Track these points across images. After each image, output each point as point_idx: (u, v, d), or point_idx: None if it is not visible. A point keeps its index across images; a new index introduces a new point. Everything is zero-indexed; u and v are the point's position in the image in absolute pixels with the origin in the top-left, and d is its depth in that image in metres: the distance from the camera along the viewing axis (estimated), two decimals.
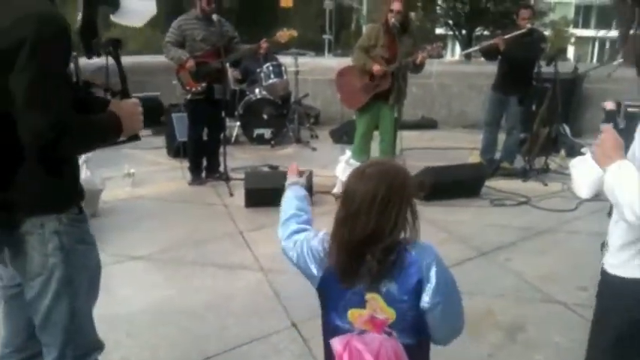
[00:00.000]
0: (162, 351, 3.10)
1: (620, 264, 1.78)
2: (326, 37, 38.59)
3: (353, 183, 1.68)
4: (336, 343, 1.68)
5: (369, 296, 1.66)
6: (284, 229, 1.90)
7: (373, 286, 1.65)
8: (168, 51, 6.01)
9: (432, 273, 1.63)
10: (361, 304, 1.67)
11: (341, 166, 5.67)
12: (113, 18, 1.95)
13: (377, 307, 1.66)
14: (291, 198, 1.99)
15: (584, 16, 46.59)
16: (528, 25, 6.33)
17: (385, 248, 1.61)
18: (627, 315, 1.78)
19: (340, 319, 1.71)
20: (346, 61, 6.07)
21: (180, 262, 4.28)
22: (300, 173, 2.13)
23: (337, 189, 5.60)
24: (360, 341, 1.65)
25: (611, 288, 1.84)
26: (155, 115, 7.33)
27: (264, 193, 5.44)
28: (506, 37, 6.31)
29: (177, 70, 6.08)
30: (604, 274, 1.86)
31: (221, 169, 6.28)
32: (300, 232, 1.87)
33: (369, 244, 1.62)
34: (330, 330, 1.76)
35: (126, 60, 2.06)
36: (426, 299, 1.62)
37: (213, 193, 6.01)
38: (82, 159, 4.95)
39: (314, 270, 1.78)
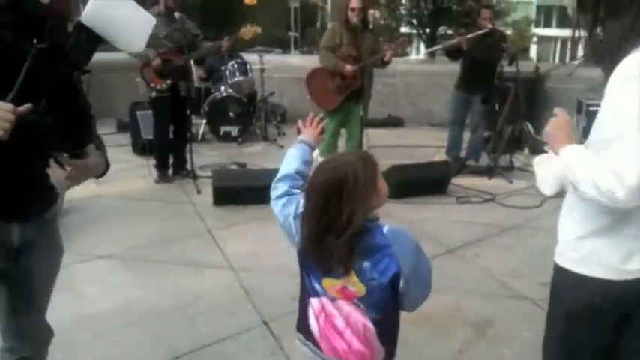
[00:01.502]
0: (132, 351, 3.07)
1: (577, 259, 1.75)
2: (291, 34, 38.57)
3: (313, 177, 1.78)
4: (315, 303, 1.81)
5: (342, 270, 1.74)
6: (276, 189, 1.95)
7: (347, 264, 1.72)
8: None
9: (408, 259, 1.71)
10: (337, 275, 1.75)
11: None
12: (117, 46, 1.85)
13: (350, 280, 1.74)
14: (296, 158, 2.02)
15: (545, 16, 47.51)
16: (489, 25, 6.43)
17: (352, 235, 1.67)
18: (576, 306, 1.77)
19: (318, 282, 1.79)
20: (312, 59, 6.07)
21: (147, 261, 4.23)
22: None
23: None
24: (333, 306, 1.78)
25: (564, 280, 1.82)
26: None
27: (232, 192, 5.44)
28: (468, 36, 6.40)
29: (141, 67, 6.01)
30: (557, 267, 1.83)
31: (188, 167, 6.24)
32: (290, 196, 1.92)
33: (334, 233, 1.69)
34: (307, 290, 1.84)
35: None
36: (401, 284, 1.72)
37: (181, 191, 5.95)
38: None
39: (296, 237, 1.83)
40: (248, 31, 6.11)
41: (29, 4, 1.71)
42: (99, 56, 1.85)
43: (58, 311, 3.39)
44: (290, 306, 1.86)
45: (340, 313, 1.78)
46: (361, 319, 1.77)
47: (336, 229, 1.69)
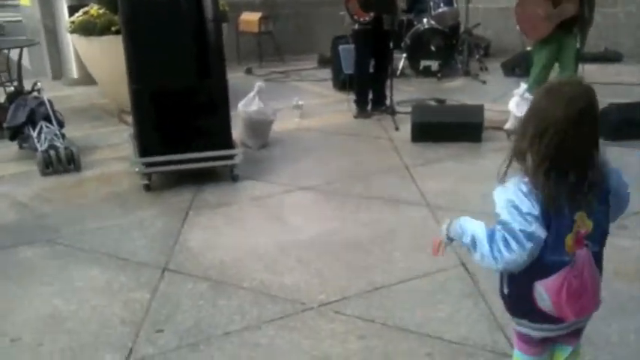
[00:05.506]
0: (331, 279, 3.16)
1: None
2: None
3: (549, 102, 1.63)
4: (553, 282, 1.69)
5: (577, 215, 1.67)
6: (492, 249, 1.71)
7: (582, 205, 1.65)
8: None
9: (618, 184, 1.73)
10: (572, 227, 1.67)
11: (515, 100, 5.33)
12: None
13: (581, 223, 1.67)
14: (471, 221, 1.83)
15: None
16: None
17: (596, 170, 1.64)
18: None
19: (558, 253, 1.68)
20: None
21: (346, 195, 4.32)
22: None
23: (510, 124, 5.30)
24: (575, 268, 1.69)
25: None
26: None
27: (431, 128, 5.34)
28: None
29: (346, 0, 6.00)
30: None
31: (387, 102, 6.20)
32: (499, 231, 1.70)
33: (575, 166, 1.62)
34: (543, 270, 1.70)
35: None
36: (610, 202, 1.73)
37: (379, 126, 5.96)
38: (254, 90, 5.12)
39: (540, 230, 1.65)
40: None
41: None
42: None
43: (266, 236, 3.65)
44: None
45: (578, 271, 1.69)
46: (590, 261, 1.71)
47: (580, 164, 1.63)
